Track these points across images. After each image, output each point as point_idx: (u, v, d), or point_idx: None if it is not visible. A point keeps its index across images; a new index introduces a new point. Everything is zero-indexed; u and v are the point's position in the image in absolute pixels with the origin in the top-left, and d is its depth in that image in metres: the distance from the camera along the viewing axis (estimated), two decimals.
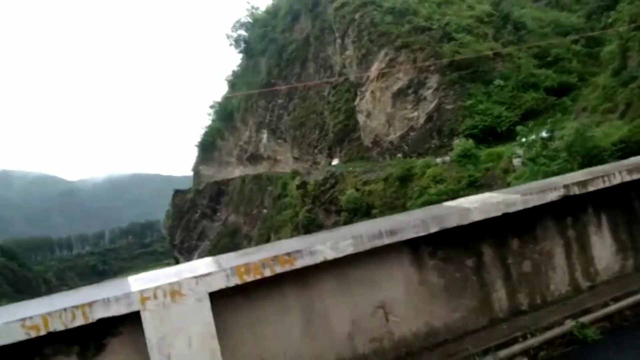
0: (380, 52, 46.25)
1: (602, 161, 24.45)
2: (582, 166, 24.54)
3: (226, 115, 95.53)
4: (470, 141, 36.33)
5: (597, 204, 4.13)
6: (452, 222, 3.42)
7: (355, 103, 50.96)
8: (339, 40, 53.55)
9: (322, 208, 48.70)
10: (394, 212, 39.24)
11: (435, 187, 35.72)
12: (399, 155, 44.67)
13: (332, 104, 56.88)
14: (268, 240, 64.72)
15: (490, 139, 37.56)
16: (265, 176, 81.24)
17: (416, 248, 3.46)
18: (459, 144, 36.82)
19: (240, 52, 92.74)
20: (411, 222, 3.32)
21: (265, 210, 77.02)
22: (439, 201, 32.67)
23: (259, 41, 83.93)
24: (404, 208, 39.41)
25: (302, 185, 50.90)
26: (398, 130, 45.89)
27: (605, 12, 38.02)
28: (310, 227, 48.22)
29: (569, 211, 4.01)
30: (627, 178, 3.98)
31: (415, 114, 44.21)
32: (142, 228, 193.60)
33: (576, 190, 3.78)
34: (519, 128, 29.31)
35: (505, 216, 3.59)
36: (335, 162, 51.88)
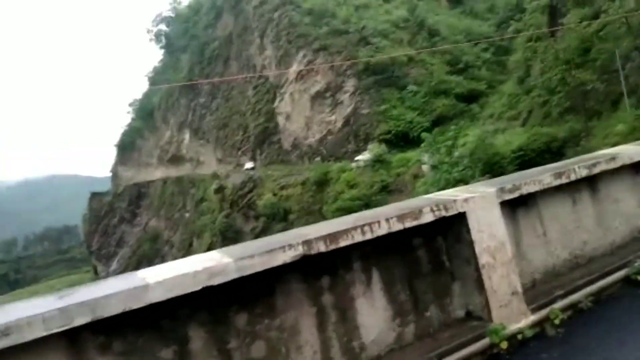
0: (299, 54, 45.49)
1: (502, 168, 25.04)
2: (483, 173, 24.93)
3: (146, 114, 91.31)
4: (383, 146, 36.36)
5: (365, 257, 3.28)
6: (112, 309, 2.32)
7: (275, 105, 49.89)
8: (258, 40, 52.27)
9: (241, 213, 47.18)
10: (310, 217, 38.77)
11: (350, 192, 35.35)
12: (318, 159, 44.13)
13: (253, 105, 55.52)
14: (190, 246, 62.15)
15: (403, 144, 37.83)
16: (187, 178, 78.18)
17: (74, 340, 2.34)
18: (372, 148, 36.76)
19: (162, 47, 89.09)
20: (45, 314, 2.20)
21: (187, 215, 74.11)
22: (352, 206, 32.35)
23: (181, 37, 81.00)
24: (320, 213, 38.91)
25: (220, 189, 49.18)
26: (317, 134, 45.31)
27: (513, 21, 39.58)
28: (227, 233, 46.63)
29: (321, 269, 3.10)
30: (398, 227, 3.13)
31: (333, 117, 43.82)
32: (59, 233, 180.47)
33: (321, 247, 2.87)
34: (424, 134, 29.46)
35: (219, 286, 2.56)
36: (249, 165, 50.45)
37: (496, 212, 3.51)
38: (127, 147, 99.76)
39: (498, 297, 3.39)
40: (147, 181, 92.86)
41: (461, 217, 3.37)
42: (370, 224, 3.04)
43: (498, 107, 34.46)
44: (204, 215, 57.52)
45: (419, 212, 3.19)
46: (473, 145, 25.31)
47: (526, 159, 24.54)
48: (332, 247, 2.92)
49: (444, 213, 3.28)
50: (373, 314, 3.28)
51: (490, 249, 3.42)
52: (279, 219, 41.56)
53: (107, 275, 79.15)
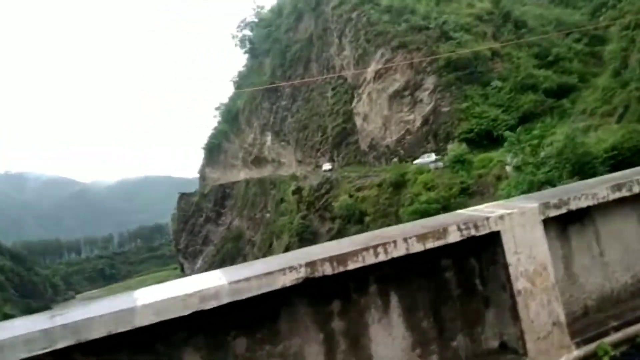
0: (377, 53, 44.88)
1: (593, 169, 22.81)
2: (572, 174, 22.87)
3: (232, 117, 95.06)
4: (464, 146, 34.75)
5: (382, 279, 2.88)
6: (96, 332, 2.17)
7: (353, 105, 49.62)
8: (336, 40, 52.30)
9: (317, 214, 47.46)
10: (386, 220, 37.98)
11: (427, 194, 34.18)
12: (395, 159, 43.25)
13: (331, 106, 55.68)
14: (270, 246, 63.65)
15: (487, 144, 35.91)
16: (268, 180, 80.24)
17: None
18: (452, 148, 35.24)
19: (246, 52, 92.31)
20: (28, 335, 2.12)
21: (268, 215, 76.04)
22: (429, 210, 31.11)
23: (264, 41, 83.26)
24: (396, 216, 38.01)
25: (297, 190, 49.81)
26: (394, 134, 44.44)
27: (610, 9, 36.14)
28: (304, 234, 47.05)
29: (331, 292, 2.75)
30: (417, 247, 2.71)
31: (412, 116, 42.73)
32: (150, 231, 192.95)
33: (327, 270, 2.53)
34: (507, 133, 27.61)
35: (215, 309, 2.32)
36: (327, 166, 50.41)
37: (538, 231, 3.05)
38: (214, 149, 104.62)
39: (535, 328, 2.96)
40: (232, 182, 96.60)
41: (495, 237, 2.96)
42: (384, 244, 2.68)
43: (591, 102, 31.56)
44: (283, 216, 58.69)
45: (443, 231, 2.80)
46: (561, 144, 23.29)
47: (620, 159, 22.17)
48: (340, 269, 2.59)
49: (473, 232, 2.87)
50: (390, 342, 2.88)
51: (529, 273, 2.99)
52: (354, 221, 41.24)
53: (192, 272, 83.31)
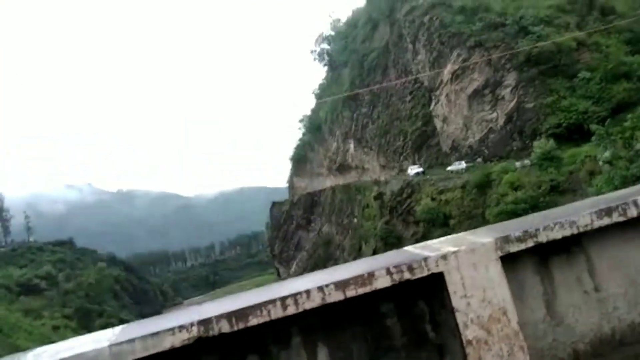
0: (453, 54, 44.35)
1: None
2: None
3: (315, 128, 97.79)
4: (551, 142, 33.30)
5: (307, 330, 2.64)
6: None
7: (431, 108, 49.30)
8: (410, 45, 52.32)
9: (400, 219, 47.57)
10: (472, 222, 37.27)
11: (513, 194, 33.19)
12: (479, 160, 42.34)
13: (409, 110, 55.63)
14: (360, 250, 64.62)
15: (577, 138, 34.10)
16: (353, 186, 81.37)
17: None
18: (539, 145, 33.88)
19: (325, 65, 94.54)
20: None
21: (355, 220, 77.10)
22: (515, 210, 30.21)
23: (341, 53, 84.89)
24: (482, 217, 37.16)
25: (379, 196, 50.22)
26: (476, 134, 43.53)
27: None
28: (388, 239, 47.35)
29: (245, 345, 2.58)
30: (336, 297, 2.43)
31: (494, 115, 41.64)
32: (248, 239, 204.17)
33: (224, 327, 2.33)
34: (594, 126, 26.18)
35: None
36: (416, 169, 48.32)
37: (493, 271, 2.65)
38: (300, 159, 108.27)
39: None
40: (319, 190, 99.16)
41: (439, 278, 2.61)
42: (295, 296, 2.41)
43: None
44: (368, 221, 59.35)
45: (368, 277, 2.47)
46: None
47: None
48: (241, 326, 2.34)
49: (407, 276, 2.51)
50: None
51: (482, 319, 2.59)
52: (439, 224, 40.87)
53: (288, 276, 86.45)
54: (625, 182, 21.10)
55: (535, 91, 38.19)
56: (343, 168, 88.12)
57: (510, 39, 39.85)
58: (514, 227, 2.98)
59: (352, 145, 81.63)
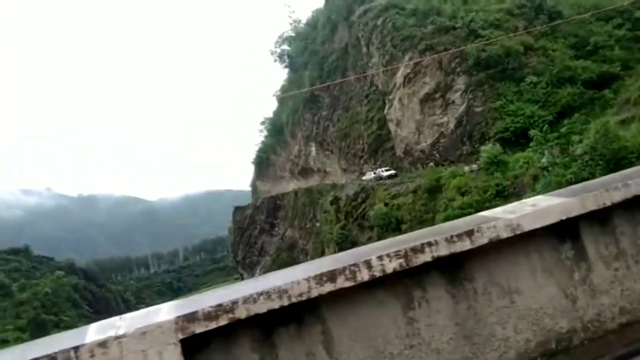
0: (405, 57, 43.98)
1: (630, 164, 21.05)
2: (605, 171, 21.21)
3: (277, 131, 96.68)
4: (498, 146, 33.21)
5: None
6: None
7: (385, 111, 48.88)
8: (364, 48, 51.89)
9: (356, 224, 46.94)
10: (423, 227, 36.94)
11: (460, 199, 32.91)
12: (431, 164, 42.05)
13: (366, 113, 55.19)
14: (323, 254, 63.85)
15: (524, 142, 34.10)
16: (315, 189, 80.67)
17: None
18: (486, 150, 33.77)
19: (285, 67, 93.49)
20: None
21: (317, 224, 76.36)
22: (462, 215, 30.21)
23: (301, 54, 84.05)
24: (433, 222, 36.85)
25: (335, 200, 49.52)
26: (428, 138, 43.25)
27: None
28: (343, 244, 46.58)
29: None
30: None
31: (445, 119, 41.45)
32: (213, 244, 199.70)
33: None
34: (532, 132, 26.04)
35: None
36: (385, 172, 46.79)
37: (170, 357, 2.08)
38: (263, 163, 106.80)
39: None
40: (282, 193, 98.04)
41: None
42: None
43: (635, 90, 29.26)
44: (326, 225, 58.62)
45: None
46: (592, 139, 21.66)
47: None
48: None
49: None
50: None
51: None
52: (391, 229, 40.37)
53: None
54: (561, 187, 20.90)
55: (484, 95, 38.16)
56: (305, 171, 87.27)
57: (461, 42, 39.75)
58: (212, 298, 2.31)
59: (313, 149, 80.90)
